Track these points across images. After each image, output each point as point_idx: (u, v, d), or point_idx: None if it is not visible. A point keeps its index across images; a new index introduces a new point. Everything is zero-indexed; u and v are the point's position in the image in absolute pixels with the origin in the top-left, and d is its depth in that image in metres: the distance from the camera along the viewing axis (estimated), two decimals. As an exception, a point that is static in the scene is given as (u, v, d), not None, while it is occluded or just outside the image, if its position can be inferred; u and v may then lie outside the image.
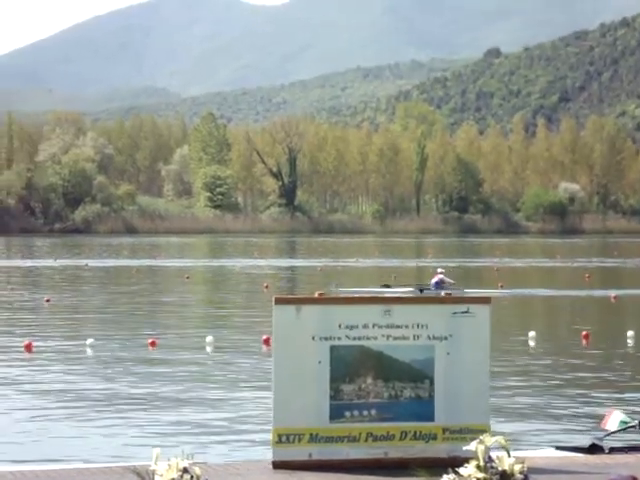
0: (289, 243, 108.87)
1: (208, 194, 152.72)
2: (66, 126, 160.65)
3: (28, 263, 63.18)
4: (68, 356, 22.34)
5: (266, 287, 41.72)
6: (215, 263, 65.08)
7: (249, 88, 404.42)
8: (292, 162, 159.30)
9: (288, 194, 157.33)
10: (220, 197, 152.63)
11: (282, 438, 9.10)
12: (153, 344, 23.57)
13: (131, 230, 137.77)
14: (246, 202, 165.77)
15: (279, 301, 9.37)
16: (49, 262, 63.26)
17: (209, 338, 24.26)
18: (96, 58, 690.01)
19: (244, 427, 14.77)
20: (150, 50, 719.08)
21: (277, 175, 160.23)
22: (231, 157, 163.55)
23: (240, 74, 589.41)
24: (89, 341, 23.58)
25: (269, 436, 9.29)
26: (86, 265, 59.87)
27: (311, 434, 9.11)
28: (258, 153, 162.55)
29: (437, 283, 37.72)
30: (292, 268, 60.74)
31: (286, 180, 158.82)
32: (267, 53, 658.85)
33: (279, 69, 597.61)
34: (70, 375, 19.74)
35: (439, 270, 39.44)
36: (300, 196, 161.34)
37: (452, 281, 38.58)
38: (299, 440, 9.10)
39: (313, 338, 9.19)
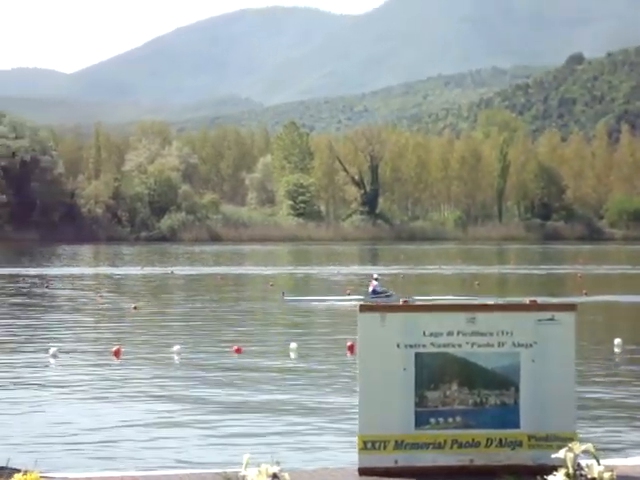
0: (371, 251, 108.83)
1: (291, 202, 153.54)
2: (152, 136, 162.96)
3: (116, 271, 64.21)
4: (156, 362, 22.69)
5: (348, 294, 41.84)
6: (298, 271, 65.37)
7: (331, 96, 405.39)
8: (374, 170, 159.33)
9: (370, 202, 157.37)
10: (303, 205, 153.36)
11: (367, 445, 9.18)
12: (238, 351, 23.83)
13: (215, 238, 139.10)
14: (328, 210, 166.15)
15: (364, 309, 9.46)
16: (136, 270, 64.21)
17: (293, 345, 24.45)
18: (181, 69, 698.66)
19: (330, 433, 14.89)
20: (234, 60, 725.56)
21: (359, 183, 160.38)
22: (313, 165, 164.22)
23: (322, 83, 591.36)
24: (176, 348, 23.92)
25: (355, 442, 9.37)
26: (171, 273, 60.65)
27: (396, 441, 9.18)
28: (340, 161, 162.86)
29: (375, 291, 38.63)
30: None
31: (368, 188, 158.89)
32: (349, 62, 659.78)
33: (361, 77, 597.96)
34: (158, 381, 20.05)
35: (375, 275, 40.38)
36: (382, 204, 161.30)
37: (386, 289, 39.37)
38: (384, 447, 9.17)
39: (398, 345, 9.26)
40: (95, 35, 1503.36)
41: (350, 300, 38.47)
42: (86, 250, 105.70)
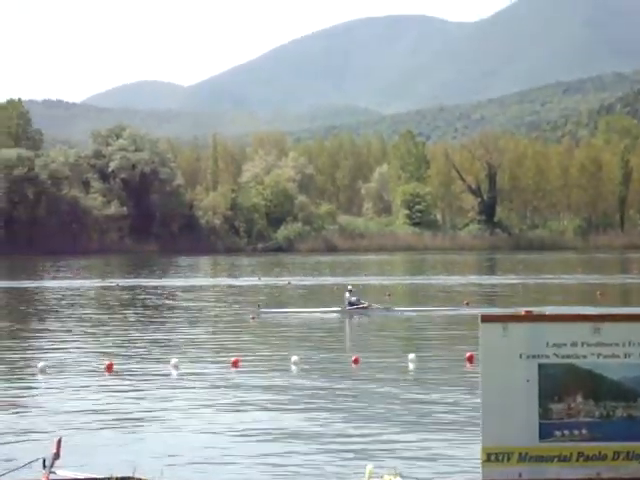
0: (489, 260, 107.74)
1: (407, 212, 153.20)
2: (268, 147, 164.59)
3: (234, 281, 64.91)
4: (274, 373, 22.81)
5: (466, 304, 41.47)
6: (415, 280, 65.09)
7: (447, 105, 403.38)
8: (491, 178, 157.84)
9: (487, 211, 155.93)
10: (419, 214, 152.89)
11: (491, 457, 9.03)
12: (356, 361, 23.80)
13: (331, 249, 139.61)
14: (445, 219, 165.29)
15: (486, 319, 9.31)
16: (253, 280, 64.83)
17: (411, 356, 24.31)
18: (297, 79, 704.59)
19: (453, 445, 14.73)
20: (350, 69, 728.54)
21: (476, 192, 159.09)
22: (429, 174, 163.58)
23: (439, 91, 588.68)
24: (294, 358, 24.01)
25: (477, 455, 9.23)
26: (288, 283, 61.05)
27: (520, 453, 9.01)
28: (457, 170, 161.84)
29: (350, 302, 38.88)
30: (492, 285, 60.06)
31: (485, 196, 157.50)
32: (465, 69, 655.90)
33: (477, 85, 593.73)
34: (277, 391, 20.15)
35: (349, 287, 40.43)
36: (500, 212, 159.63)
37: (363, 303, 39.24)
38: (508, 459, 9.01)
39: (520, 356, 9.08)
40: (212, 48, 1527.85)
41: (327, 312, 38.98)
42: (205, 261, 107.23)
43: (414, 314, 38.48)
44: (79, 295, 51.54)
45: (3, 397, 19.83)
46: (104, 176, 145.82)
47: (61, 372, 22.84)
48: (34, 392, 20.49)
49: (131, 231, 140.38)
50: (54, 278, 69.89)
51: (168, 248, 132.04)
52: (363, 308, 39.09)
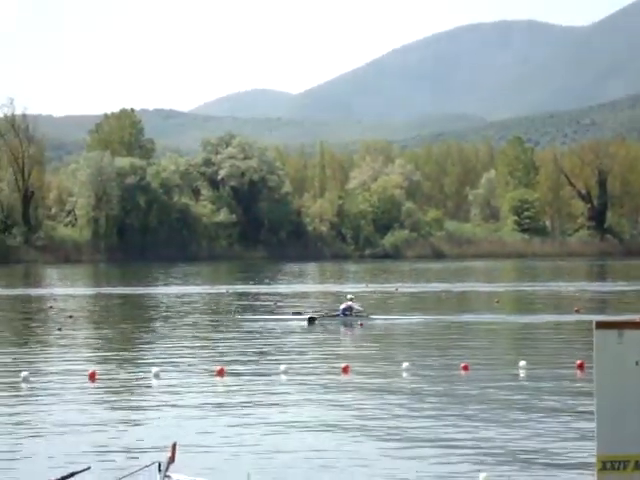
0: (599, 266, 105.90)
1: (515, 218, 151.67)
2: (375, 154, 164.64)
3: (340, 288, 65.09)
4: (385, 379, 22.84)
5: (576, 311, 40.91)
6: (524, 287, 64.36)
7: (556, 111, 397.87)
8: (602, 184, 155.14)
9: (598, 216, 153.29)
10: (527, 221, 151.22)
11: (606, 465, 8.93)
12: (466, 368, 23.70)
13: (439, 255, 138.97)
14: (554, 225, 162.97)
15: (600, 325, 9.19)
16: (361, 287, 64.93)
17: (522, 362, 24.10)
18: (404, 86, 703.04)
19: (562, 453, 14.59)
20: (457, 76, 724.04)
21: (586, 197, 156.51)
22: (538, 180, 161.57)
23: (547, 96, 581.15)
24: (404, 365, 24.02)
25: (590, 463, 9.15)
26: (396, 290, 60.99)
27: (637, 461, 8.89)
28: (566, 175, 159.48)
29: (345, 309, 38.46)
30: (602, 292, 59.07)
31: (595, 202, 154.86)
32: (575, 75, 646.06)
33: (587, 91, 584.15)
34: (389, 397, 20.17)
35: (349, 297, 40.04)
36: (610, 218, 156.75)
37: (361, 308, 39.08)
38: (624, 467, 8.90)
39: (637, 363, 8.97)
40: (320, 56, 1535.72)
41: (295, 319, 38.65)
42: (312, 268, 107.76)
43: (413, 320, 38.46)
44: (190, 302, 52.32)
45: (119, 400, 20.30)
46: (214, 184, 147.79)
47: (174, 377, 23.25)
48: (148, 396, 20.91)
49: (240, 238, 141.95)
50: (166, 284, 71.12)
51: (276, 255, 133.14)
52: (349, 315, 38.73)
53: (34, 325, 38.63)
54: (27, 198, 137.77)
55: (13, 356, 28.07)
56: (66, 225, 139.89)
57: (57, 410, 18.85)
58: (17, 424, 17.54)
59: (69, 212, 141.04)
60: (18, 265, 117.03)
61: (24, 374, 22.80)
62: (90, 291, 65.32)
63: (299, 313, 40.41)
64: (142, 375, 23.85)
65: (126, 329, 36.22)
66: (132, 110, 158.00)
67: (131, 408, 19.38)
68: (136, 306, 49.24)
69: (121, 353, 29.37)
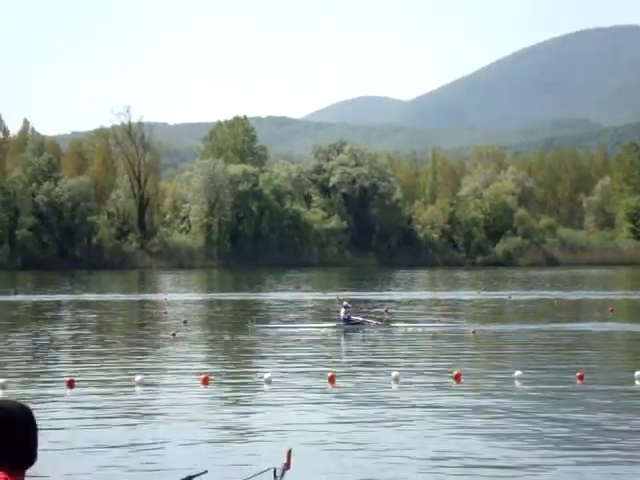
0: None
1: (630, 225, 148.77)
2: (487, 160, 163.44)
3: (451, 295, 64.76)
4: (497, 388, 22.65)
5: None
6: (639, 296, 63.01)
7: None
8: None
9: None
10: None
11: None
12: (581, 378, 23.33)
13: (552, 262, 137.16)
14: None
15: None
16: (472, 294, 64.48)
17: (638, 373, 23.63)
18: (517, 92, 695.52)
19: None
20: (572, 81, 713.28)
21: None
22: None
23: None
24: (517, 373, 23.78)
25: None
26: (509, 297, 60.39)
27: None
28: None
29: (346, 319, 38.38)
30: None
31: None
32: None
33: None
34: (499, 408, 20.01)
35: (344, 304, 39.67)
36: None
37: (359, 318, 38.92)
38: None
39: None
40: (431, 62, 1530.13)
41: (321, 327, 38.62)
42: (423, 275, 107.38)
43: (418, 329, 38.12)
44: (301, 308, 52.65)
45: (231, 405, 20.57)
46: (325, 190, 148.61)
47: (286, 383, 23.43)
48: (261, 402, 21.12)
49: (350, 245, 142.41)
50: (277, 291, 71.71)
51: (386, 261, 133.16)
52: (358, 324, 38.57)
53: (149, 330, 39.36)
54: (143, 205, 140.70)
55: (129, 360, 28.68)
56: (180, 231, 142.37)
57: (170, 413, 19.18)
58: (130, 426, 17.93)
59: (183, 219, 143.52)
60: (133, 271, 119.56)
61: (138, 377, 23.25)
62: (203, 297, 66.26)
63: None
64: (254, 380, 24.11)
65: (239, 334, 36.64)
66: (245, 117, 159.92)
67: (244, 413, 19.61)
68: (248, 312, 49.76)
69: (233, 358, 29.74)
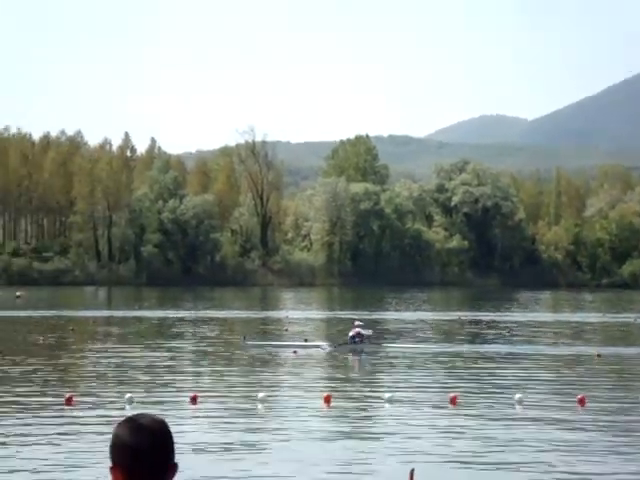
0: None
1: None
2: (613, 181, 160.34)
3: (575, 317, 63.62)
4: (621, 411, 22.18)
5: None
6: None
7: None
8: None
9: None
10: None
11: None
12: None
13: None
14: None
15: None
16: (598, 316, 63.30)
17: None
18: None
19: None
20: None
21: None
22: None
23: None
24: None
25: None
26: (634, 320, 59.07)
27: None
28: None
29: (353, 336, 37.66)
30: None
31: None
32: None
33: None
34: (628, 429, 19.59)
35: (356, 323, 39.10)
36: None
37: (369, 333, 38.26)
38: None
39: None
40: (556, 82, 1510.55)
41: (312, 347, 37.69)
42: (546, 296, 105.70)
43: (413, 349, 37.56)
44: (421, 328, 52.42)
45: (354, 423, 20.59)
46: (447, 210, 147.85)
47: (406, 403, 23.35)
48: (382, 420, 21.09)
49: (472, 264, 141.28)
50: (397, 310, 71.55)
51: (509, 282, 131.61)
52: (359, 343, 37.76)
53: (272, 348, 39.69)
54: (265, 223, 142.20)
55: (249, 377, 28.99)
56: (301, 249, 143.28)
57: (290, 431, 19.28)
58: (246, 443, 18.13)
59: (305, 237, 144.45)
60: (255, 288, 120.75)
61: (261, 395, 23.47)
62: (324, 315, 66.55)
63: (306, 340, 40.26)
64: (375, 398, 24.10)
65: (357, 353, 36.62)
66: (367, 136, 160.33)
67: (365, 433, 19.62)
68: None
69: (353, 377, 29.76)
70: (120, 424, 3.40)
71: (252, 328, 52.14)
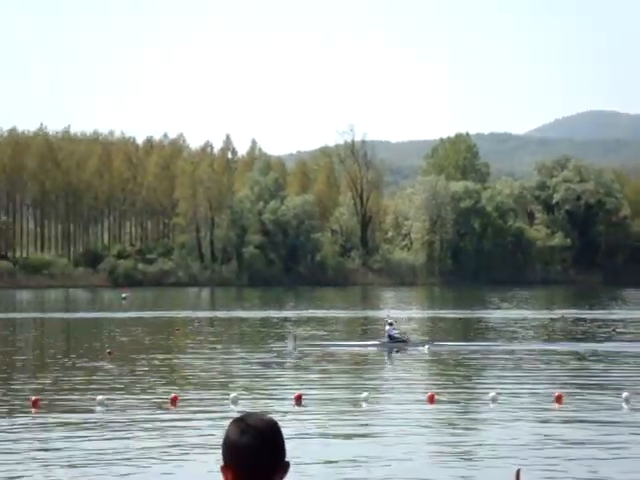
0: None
1: None
2: None
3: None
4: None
5: None
6: None
7: None
8: None
9: None
10: None
11: None
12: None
13: None
14: None
15: None
16: None
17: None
18: None
19: None
20: None
21: None
22: None
23: None
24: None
25: None
26: None
27: None
28: None
29: (390, 336, 37.95)
30: None
31: None
32: None
33: None
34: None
35: (389, 321, 39.51)
36: None
37: (397, 334, 38.48)
38: None
39: None
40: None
41: (366, 345, 38.00)
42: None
43: (460, 348, 37.10)
44: (525, 326, 51.87)
45: (458, 423, 20.51)
46: (548, 207, 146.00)
47: (510, 402, 23.16)
48: (486, 420, 20.96)
49: (575, 262, 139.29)
50: (499, 308, 70.91)
51: (613, 280, 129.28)
52: (402, 342, 37.94)
53: (374, 346, 39.76)
54: (365, 222, 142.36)
55: (354, 376, 29.10)
56: (402, 248, 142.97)
57: (391, 431, 19.28)
58: (354, 443, 18.18)
59: (405, 236, 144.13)
60: (355, 287, 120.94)
61: (364, 394, 23.52)
62: (425, 314, 66.34)
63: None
64: (479, 398, 23.97)
65: (461, 351, 36.41)
66: (467, 134, 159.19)
67: (469, 431, 19.54)
68: (470, 329, 49.43)
69: (458, 375, 29.60)
70: (230, 424, 3.46)
71: (356, 328, 52.26)
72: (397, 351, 37.31)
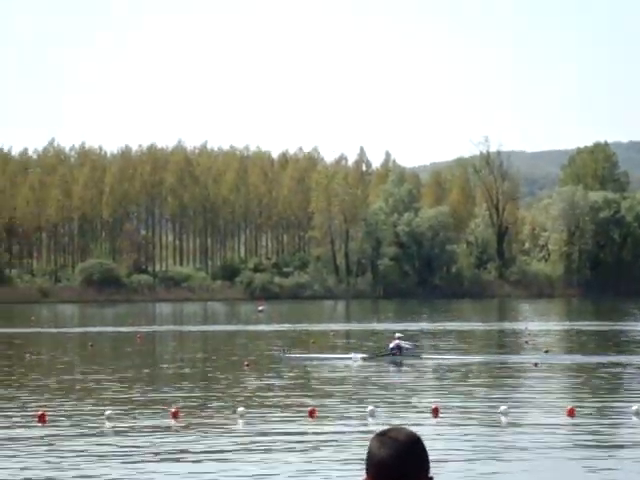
0: None
1: None
2: None
3: None
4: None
5: None
6: None
7: None
8: None
9: None
10: None
11: None
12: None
13: None
14: None
15: None
16: None
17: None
18: None
19: None
20: None
21: None
22: None
23: None
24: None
25: None
26: None
27: None
28: None
29: (393, 348, 36.88)
30: None
31: None
32: None
33: None
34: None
35: (397, 335, 38.37)
36: None
37: (409, 345, 37.75)
38: None
39: None
40: None
41: (349, 358, 36.97)
42: None
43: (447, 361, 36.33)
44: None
45: (597, 439, 20.02)
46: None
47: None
48: (627, 432, 20.42)
49: None
50: (635, 320, 68.87)
51: None
52: (398, 355, 36.67)
53: (510, 360, 39.24)
54: (501, 233, 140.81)
55: (491, 390, 28.74)
56: (539, 260, 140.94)
57: (534, 442, 18.92)
58: (490, 457, 17.90)
59: (542, 247, 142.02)
60: (492, 299, 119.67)
61: (502, 408, 23.17)
62: (564, 326, 65.14)
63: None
64: (620, 409, 23.38)
65: (602, 364, 35.56)
66: (606, 143, 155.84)
67: (609, 444, 19.07)
68: (607, 342, 48.26)
69: (598, 389, 28.91)
70: (373, 437, 3.46)
71: (494, 340, 51.69)
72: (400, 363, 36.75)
